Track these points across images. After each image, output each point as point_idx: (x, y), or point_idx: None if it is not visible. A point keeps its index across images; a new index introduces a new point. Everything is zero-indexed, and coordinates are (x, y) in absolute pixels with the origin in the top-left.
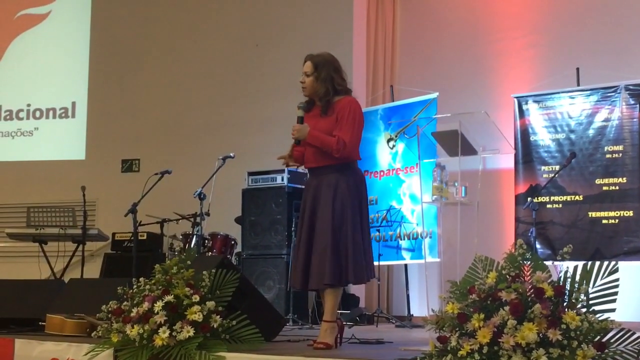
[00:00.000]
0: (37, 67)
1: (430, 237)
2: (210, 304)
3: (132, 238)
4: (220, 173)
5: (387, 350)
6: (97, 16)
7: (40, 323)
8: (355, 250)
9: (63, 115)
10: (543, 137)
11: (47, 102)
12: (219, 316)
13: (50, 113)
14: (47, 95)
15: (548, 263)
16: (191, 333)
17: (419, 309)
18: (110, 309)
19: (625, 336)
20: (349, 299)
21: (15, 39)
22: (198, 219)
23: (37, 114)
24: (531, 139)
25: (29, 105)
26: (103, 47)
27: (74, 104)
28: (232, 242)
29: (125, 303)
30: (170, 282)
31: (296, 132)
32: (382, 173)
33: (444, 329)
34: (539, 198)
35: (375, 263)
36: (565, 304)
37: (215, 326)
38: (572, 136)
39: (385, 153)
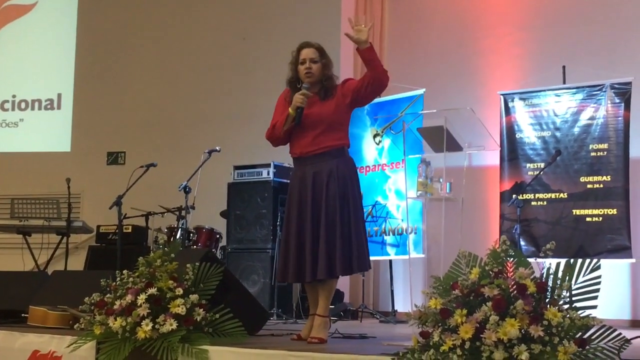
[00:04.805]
0: (22, 58)
1: (415, 233)
2: (194, 297)
3: (117, 231)
4: (205, 166)
5: (370, 345)
6: (83, 8)
7: (22, 315)
8: (358, 238)
9: (48, 106)
10: (529, 134)
11: (32, 94)
12: (202, 309)
13: (36, 104)
14: (32, 86)
15: (531, 260)
16: (174, 326)
17: (403, 305)
18: (93, 301)
19: (606, 333)
20: (334, 293)
21: (0, 30)
22: (183, 213)
23: (23, 105)
24: (517, 136)
25: (14, 96)
26: (89, 39)
27: (59, 95)
28: (217, 236)
29: (108, 295)
30: (153, 275)
31: (363, 34)
32: (367, 168)
33: (426, 324)
34: (524, 195)
35: None
36: (547, 300)
37: (198, 319)
38: (558, 134)
39: (371, 148)
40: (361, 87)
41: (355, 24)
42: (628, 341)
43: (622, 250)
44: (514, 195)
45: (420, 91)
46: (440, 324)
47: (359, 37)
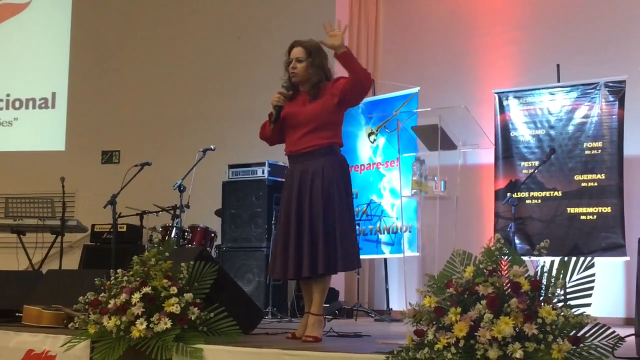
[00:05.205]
0: (17, 57)
1: (410, 232)
2: (188, 296)
3: (112, 230)
4: (200, 165)
5: (365, 344)
6: (78, 7)
7: (17, 314)
8: (343, 237)
9: (43, 105)
10: (523, 132)
11: (26, 93)
12: (196, 308)
13: (30, 103)
14: (27, 85)
15: (526, 258)
16: (168, 325)
17: (398, 303)
18: (87, 301)
19: (601, 331)
20: (329, 292)
21: None
22: (178, 211)
23: (17, 104)
24: (511, 134)
25: (8, 95)
26: (84, 38)
27: (54, 94)
28: (212, 235)
29: (102, 294)
30: (148, 274)
31: (336, 39)
32: (362, 167)
33: (421, 322)
34: (519, 193)
35: None
36: (541, 298)
37: (192, 318)
38: (552, 132)
39: (366, 147)
40: (346, 89)
41: (329, 30)
42: (622, 339)
43: (616, 249)
44: (508, 194)
45: (415, 89)
46: (434, 322)
47: (332, 42)
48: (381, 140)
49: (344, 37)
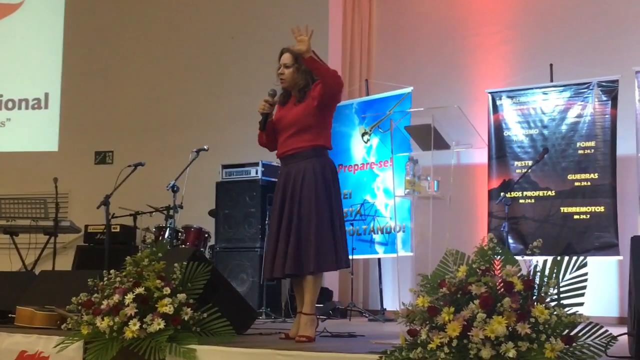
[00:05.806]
0: (10, 58)
1: (404, 231)
2: (181, 297)
3: (105, 230)
4: (193, 166)
5: (359, 344)
6: (70, 7)
7: (10, 315)
8: (320, 239)
9: (36, 106)
10: (516, 132)
11: (20, 93)
12: (190, 309)
13: (23, 104)
14: (20, 86)
15: (519, 257)
16: (162, 325)
17: (392, 303)
18: (80, 301)
19: (594, 330)
20: (323, 292)
21: None
22: (171, 212)
23: (10, 104)
24: (504, 134)
25: (1, 95)
26: (77, 38)
27: (47, 94)
28: (206, 235)
29: (95, 295)
30: (141, 275)
31: (302, 45)
32: (356, 167)
33: (414, 322)
34: (512, 193)
35: (349, 257)
36: (534, 297)
37: (186, 319)
38: (545, 132)
39: (359, 147)
40: (320, 92)
41: (297, 34)
42: (615, 338)
43: (609, 248)
44: (502, 193)
45: (408, 89)
46: (427, 322)
47: (299, 48)
48: (374, 140)
49: (311, 41)
